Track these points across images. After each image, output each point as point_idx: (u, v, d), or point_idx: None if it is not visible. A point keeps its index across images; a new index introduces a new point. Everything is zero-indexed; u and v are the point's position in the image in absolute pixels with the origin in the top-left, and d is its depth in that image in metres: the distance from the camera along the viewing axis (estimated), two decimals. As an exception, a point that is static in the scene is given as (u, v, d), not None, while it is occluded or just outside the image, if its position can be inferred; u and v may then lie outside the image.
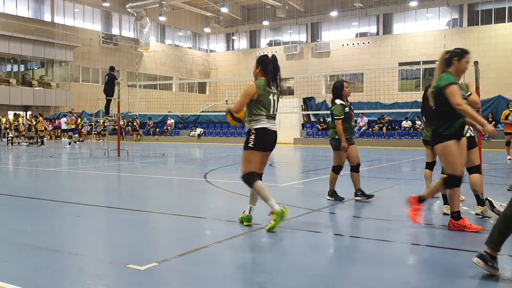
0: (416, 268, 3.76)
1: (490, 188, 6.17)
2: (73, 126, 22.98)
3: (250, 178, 4.86)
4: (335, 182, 6.74)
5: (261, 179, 4.97)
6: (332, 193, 6.74)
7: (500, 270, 3.42)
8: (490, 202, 5.20)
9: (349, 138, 6.64)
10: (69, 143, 22.65)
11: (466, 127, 5.15)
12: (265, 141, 4.91)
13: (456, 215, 4.77)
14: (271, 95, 4.94)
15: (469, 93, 5.43)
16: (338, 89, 6.68)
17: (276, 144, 5.05)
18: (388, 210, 6.14)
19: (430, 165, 6.96)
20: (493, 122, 20.54)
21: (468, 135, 5.28)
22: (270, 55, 5.09)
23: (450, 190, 4.76)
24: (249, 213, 5.02)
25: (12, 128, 26.66)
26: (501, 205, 5.10)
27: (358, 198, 6.68)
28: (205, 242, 4.36)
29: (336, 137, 6.60)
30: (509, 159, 13.82)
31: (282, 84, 5.16)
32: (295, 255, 4.03)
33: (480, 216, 5.38)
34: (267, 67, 4.97)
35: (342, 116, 6.52)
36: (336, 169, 6.71)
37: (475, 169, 5.32)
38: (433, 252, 4.19)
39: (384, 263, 3.80)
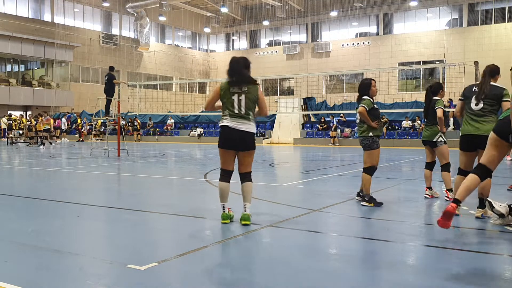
0: (416, 268, 3.75)
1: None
2: (48, 126, 22.99)
3: (221, 173, 5.23)
4: (370, 185, 6.30)
5: (253, 179, 5.12)
6: (370, 198, 6.24)
7: (500, 270, 3.42)
8: (490, 203, 5.19)
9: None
10: (43, 144, 22.59)
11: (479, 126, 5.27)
12: (224, 139, 5.13)
13: (458, 201, 4.49)
14: (235, 95, 5.05)
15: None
16: (365, 87, 6.38)
17: (246, 144, 5.09)
18: (388, 210, 6.14)
19: (429, 165, 6.96)
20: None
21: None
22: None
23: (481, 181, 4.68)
24: (245, 211, 5.03)
25: (16, 128, 26.74)
26: (500, 205, 5.09)
27: (359, 198, 6.64)
28: (205, 242, 4.37)
29: (370, 134, 6.24)
30: (509, 159, 13.81)
31: (249, 80, 5.09)
32: (295, 255, 4.03)
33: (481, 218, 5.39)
34: (228, 69, 5.14)
35: (367, 108, 6.22)
36: (370, 170, 6.25)
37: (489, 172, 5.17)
38: (434, 252, 4.19)
39: (384, 263, 3.81)
